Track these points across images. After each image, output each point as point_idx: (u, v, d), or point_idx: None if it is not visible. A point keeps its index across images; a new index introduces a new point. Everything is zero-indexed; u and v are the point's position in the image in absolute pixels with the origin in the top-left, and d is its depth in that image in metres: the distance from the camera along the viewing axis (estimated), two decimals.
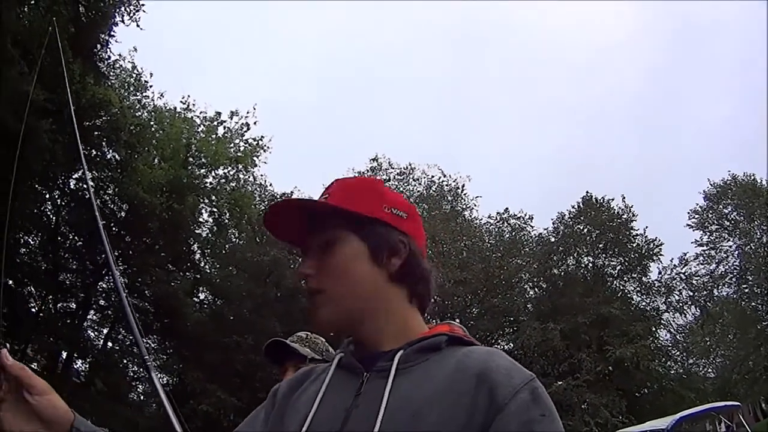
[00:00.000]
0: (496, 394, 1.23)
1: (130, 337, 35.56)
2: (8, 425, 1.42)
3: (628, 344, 31.42)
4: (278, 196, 39.58)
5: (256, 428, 1.55)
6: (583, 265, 38.60)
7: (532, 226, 41.28)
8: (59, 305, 32.49)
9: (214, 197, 36.95)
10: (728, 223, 37.60)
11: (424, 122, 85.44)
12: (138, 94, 34.35)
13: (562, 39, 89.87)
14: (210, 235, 38.48)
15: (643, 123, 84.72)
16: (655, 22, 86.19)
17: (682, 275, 37.72)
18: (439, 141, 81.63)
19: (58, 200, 31.53)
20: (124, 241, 32.93)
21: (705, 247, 37.82)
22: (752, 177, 36.79)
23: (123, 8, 24.74)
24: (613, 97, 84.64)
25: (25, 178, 23.04)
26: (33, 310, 30.12)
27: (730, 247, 37.53)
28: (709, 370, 36.75)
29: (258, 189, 40.50)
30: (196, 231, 36.87)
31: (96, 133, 28.35)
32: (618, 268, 38.01)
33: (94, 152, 29.06)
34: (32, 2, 20.92)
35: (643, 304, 38.03)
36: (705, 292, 37.39)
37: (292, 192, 39.76)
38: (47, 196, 30.43)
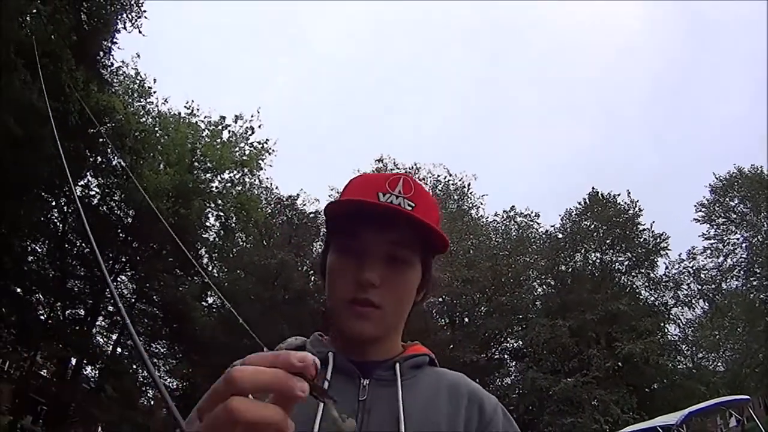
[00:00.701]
0: (484, 410, 1.51)
1: (140, 342, 35.85)
2: None
3: (637, 340, 31.30)
4: (284, 199, 39.65)
5: None
6: (590, 262, 38.48)
7: (539, 224, 41.30)
8: (68, 312, 32.55)
9: (220, 201, 36.95)
10: (735, 216, 37.49)
11: (429, 122, 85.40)
12: (142, 100, 34.40)
13: (567, 37, 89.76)
14: (217, 239, 38.51)
15: (649, 119, 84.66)
16: (665, 20, 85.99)
17: (689, 269, 37.63)
18: (444, 140, 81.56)
19: (65, 207, 31.61)
20: (132, 247, 33.03)
21: (712, 241, 37.74)
22: (759, 169, 36.72)
23: (125, 15, 24.76)
24: (619, 93, 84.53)
25: (32, 186, 23.12)
26: (42, 317, 30.21)
27: (738, 239, 37.43)
28: (719, 363, 36.59)
29: (264, 192, 40.58)
30: (203, 235, 36.88)
31: (101, 139, 28.43)
32: (626, 263, 37.89)
33: (99, 159, 29.13)
34: (34, 11, 20.95)
35: (652, 299, 37.93)
36: (713, 286, 37.27)
37: (298, 195, 39.86)
38: (54, 203, 30.50)
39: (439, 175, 42.85)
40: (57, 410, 30.47)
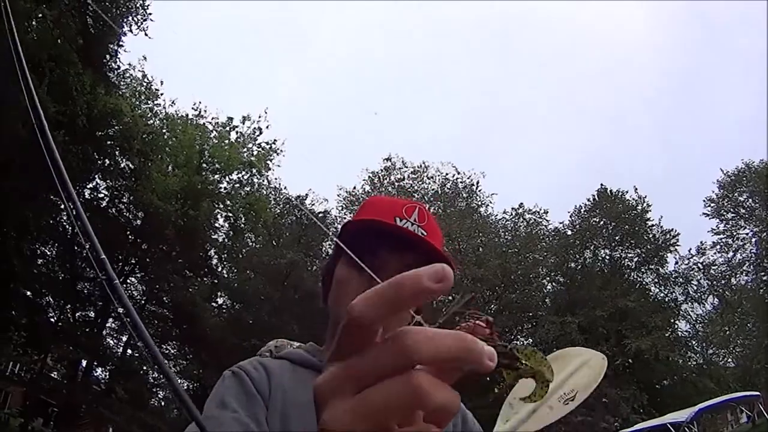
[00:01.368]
0: (467, 420, 1.67)
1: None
2: None
3: (647, 336, 31.20)
4: (293, 199, 39.66)
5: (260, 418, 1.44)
6: (600, 258, 38.39)
7: (548, 221, 41.13)
8: (78, 314, 32.73)
9: (228, 202, 37.09)
10: (744, 211, 37.32)
11: (437, 120, 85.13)
12: (149, 102, 34.64)
13: (575, 34, 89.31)
14: (226, 239, 38.61)
15: (657, 114, 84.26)
16: (673, 17, 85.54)
17: (699, 264, 37.47)
18: (452, 138, 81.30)
19: (73, 210, 31.69)
20: (141, 249, 33.15)
21: (722, 236, 37.58)
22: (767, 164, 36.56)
23: (131, 18, 24.87)
24: (627, 89, 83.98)
25: (39, 190, 23.19)
26: (52, 319, 30.34)
27: (747, 234, 37.27)
28: (729, 359, 36.45)
29: (273, 192, 40.63)
30: (213, 236, 36.99)
31: (108, 142, 28.52)
32: (635, 260, 37.74)
33: (107, 161, 29.23)
34: (40, 15, 21.04)
35: (661, 295, 37.78)
36: (723, 281, 37.10)
37: (306, 194, 39.90)
38: (62, 206, 30.59)
39: (447, 174, 42.82)
40: (68, 412, 30.60)
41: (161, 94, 35.19)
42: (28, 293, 28.59)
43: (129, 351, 33.56)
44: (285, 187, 41.33)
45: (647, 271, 37.64)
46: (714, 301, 37.26)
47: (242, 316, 35.54)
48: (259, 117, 37.31)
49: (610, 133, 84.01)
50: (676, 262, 37.44)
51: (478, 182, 42.56)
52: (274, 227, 39.51)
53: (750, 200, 36.97)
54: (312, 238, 38.04)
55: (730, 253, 37.02)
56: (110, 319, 33.23)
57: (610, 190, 38.00)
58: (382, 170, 42.64)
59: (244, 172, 37.36)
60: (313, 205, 40.70)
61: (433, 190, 42.69)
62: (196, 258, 35.36)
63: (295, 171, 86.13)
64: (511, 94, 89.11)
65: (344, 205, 41.97)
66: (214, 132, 36.82)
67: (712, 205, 37.84)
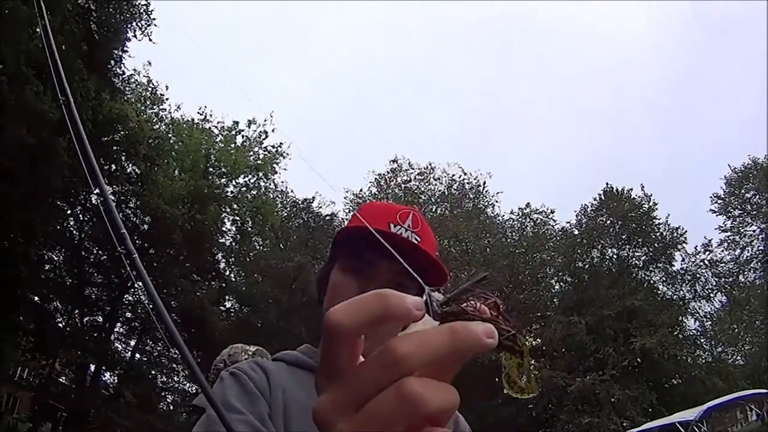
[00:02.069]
0: (458, 421, 1.66)
1: (158, 348, 36.22)
2: None
3: (654, 334, 31.05)
4: (300, 202, 39.74)
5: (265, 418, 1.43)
6: (607, 257, 38.22)
7: (555, 220, 41.04)
8: (86, 319, 32.82)
9: (235, 206, 37.17)
10: (751, 208, 37.16)
11: (443, 121, 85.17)
12: (155, 107, 34.69)
13: (579, 34, 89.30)
14: (234, 243, 38.69)
15: (661, 113, 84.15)
16: (676, 16, 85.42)
17: (706, 262, 37.24)
18: (458, 139, 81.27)
19: (81, 216, 31.79)
20: (148, 254, 33.19)
21: (729, 233, 37.41)
22: None
23: (134, 23, 24.91)
24: (630, 89, 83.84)
25: (46, 196, 23.26)
26: (60, 325, 30.41)
27: (755, 231, 37.11)
28: (738, 357, 36.28)
29: (279, 195, 40.71)
30: (220, 240, 37.08)
31: (114, 147, 28.59)
32: (643, 258, 37.52)
33: (113, 167, 29.30)
34: (43, 22, 21.05)
35: (669, 293, 37.58)
36: (731, 279, 36.92)
37: (313, 197, 39.93)
38: (69, 212, 30.69)
39: (453, 175, 42.78)
40: (76, 416, 30.68)
41: (166, 99, 35.32)
42: (36, 298, 28.68)
43: (137, 355, 33.69)
44: (292, 191, 41.37)
45: (655, 269, 37.47)
46: (722, 298, 37.14)
47: (250, 320, 35.62)
48: (265, 120, 37.39)
49: (616, 132, 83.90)
50: (683, 260, 37.33)
51: (484, 183, 42.59)
52: (282, 230, 39.60)
53: (757, 197, 36.84)
54: (319, 241, 38.04)
55: (738, 251, 36.91)
56: (118, 324, 33.35)
57: (617, 189, 37.81)
58: (388, 172, 42.70)
59: (250, 176, 37.41)
60: (320, 207, 40.79)
61: (439, 191, 42.69)
62: (204, 262, 35.45)
63: (301, 174, 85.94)
64: (515, 94, 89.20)
65: (351, 208, 41.94)
66: (220, 136, 36.90)
67: (719, 202, 37.70)
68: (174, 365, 34.30)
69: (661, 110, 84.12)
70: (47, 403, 34.46)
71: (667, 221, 36.89)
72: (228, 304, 39.12)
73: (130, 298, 34.17)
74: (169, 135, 34.74)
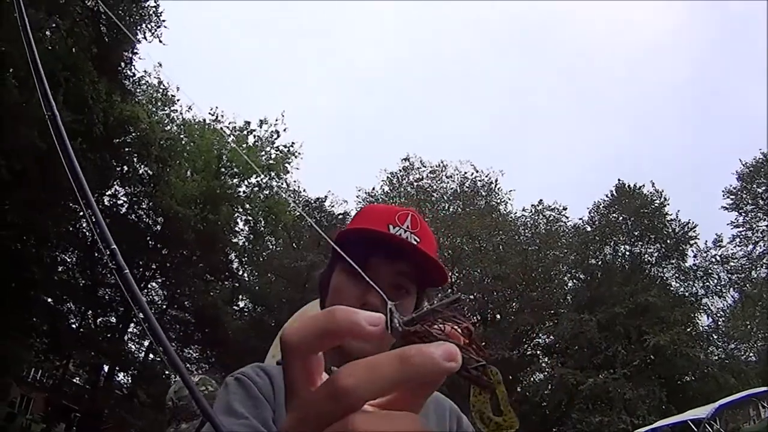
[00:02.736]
0: (461, 423, 1.70)
1: (172, 347, 36.33)
2: None
3: (667, 331, 30.87)
4: (312, 201, 39.81)
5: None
6: (620, 254, 38.02)
7: (567, 217, 40.79)
8: (99, 320, 33.04)
9: (248, 206, 37.31)
10: (762, 203, 36.82)
11: (454, 119, 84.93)
12: (166, 108, 34.90)
13: (591, 29, 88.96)
14: (246, 243, 38.82)
15: (675, 109, 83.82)
16: (691, 13, 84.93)
17: (718, 258, 36.93)
18: (470, 136, 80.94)
19: (93, 217, 31.97)
20: (162, 254, 33.40)
21: (741, 228, 37.09)
22: None
23: (144, 25, 25.04)
24: (640, 84, 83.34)
25: (58, 198, 23.42)
26: (73, 326, 30.63)
27: (767, 227, 36.79)
28: (751, 354, 35.97)
29: (292, 195, 40.76)
30: (233, 240, 37.20)
31: (126, 149, 28.77)
32: (655, 254, 37.27)
33: (125, 168, 29.48)
34: (53, 25, 21.24)
35: (682, 289, 37.32)
36: (743, 275, 36.62)
37: (326, 196, 40.02)
38: (81, 213, 30.84)
39: (466, 172, 42.58)
40: (90, 417, 30.90)
41: (178, 100, 35.47)
42: (49, 300, 28.90)
43: (151, 356, 33.86)
44: (304, 190, 41.47)
45: (667, 265, 37.25)
46: (734, 294, 36.84)
47: (264, 319, 35.69)
48: (276, 120, 37.53)
49: (628, 128, 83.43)
50: (695, 256, 37.06)
51: (496, 180, 42.45)
52: (294, 230, 39.64)
53: None
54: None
55: (750, 246, 36.58)
56: (131, 324, 33.54)
57: (628, 185, 37.52)
58: (400, 170, 42.59)
59: (262, 176, 37.51)
60: (332, 206, 40.85)
61: (451, 189, 42.52)
62: (217, 262, 35.61)
63: (313, 173, 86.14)
64: (526, 92, 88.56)
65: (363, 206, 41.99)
66: (232, 136, 37.03)
67: (731, 197, 37.33)
68: (188, 365, 34.47)
69: (673, 105, 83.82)
70: (61, 404, 34.78)
71: (677, 217, 36.68)
72: (241, 304, 39.29)
73: (143, 298, 34.45)
74: (181, 136, 34.93)
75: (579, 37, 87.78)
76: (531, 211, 41.41)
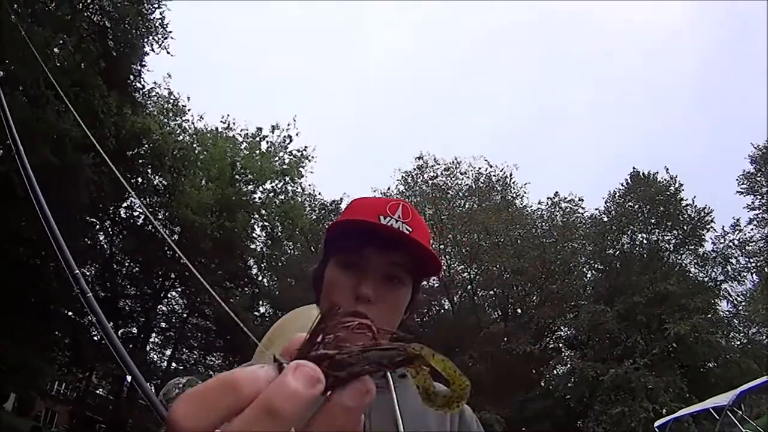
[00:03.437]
0: (464, 417, 1.67)
1: (194, 356, 36.76)
2: None
3: (687, 318, 30.61)
4: (328, 204, 39.94)
5: None
6: (637, 243, 37.74)
7: (584, 208, 40.66)
8: (121, 331, 33.27)
9: (264, 211, 37.48)
10: None
11: (466, 115, 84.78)
12: (177, 118, 35.14)
13: (607, 20, 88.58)
14: (264, 248, 38.99)
15: (688, 95, 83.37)
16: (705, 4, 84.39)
17: (735, 241, 36.56)
18: (482, 132, 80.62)
19: (110, 230, 32.29)
20: (180, 264, 33.56)
21: (758, 211, 36.68)
22: None
23: (151, 38, 25.20)
24: (654, 71, 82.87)
25: (74, 213, 23.62)
26: (95, 338, 30.85)
27: None
28: None
29: (307, 199, 40.94)
30: (250, 246, 37.36)
31: (140, 161, 28.99)
32: (673, 241, 36.97)
33: (140, 180, 29.69)
34: (60, 42, 21.44)
35: (701, 276, 37.07)
36: (762, 258, 36.25)
37: (341, 199, 40.08)
38: (98, 226, 31.15)
39: (480, 168, 42.54)
40: (114, 428, 31.16)
41: (188, 110, 35.77)
42: (70, 313, 29.07)
43: (173, 364, 34.12)
44: (319, 193, 41.63)
45: (685, 252, 36.99)
46: (754, 278, 36.47)
47: None
48: (288, 125, 37.69)
49: (638, 115, 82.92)
50: (713, 242, 36.77)
51: (511, 174, 42.42)
52: (311, 233, 39.76)
53: None
54: None
55: (767, 229, 36.20)
56: (153, 334, 33.81)
57: (643, 173, 37.25)
58: (414, 169, 42.59)
59: (277, 181, 37.70)
60: None
61: (466, 185, 42.47)
62: (236, 269, 35.81)
63: (328, 176, 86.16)
64: (534, 83, 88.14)
65: None
66: (245, 143, 37.25)
67: (746, 181, 36.96)
68: (211, 372, 34.67)
69: (684, 92, 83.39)
70: (85, 416, 35.05)
71: (693, 202, 36.36)
72: (262, 309, 39.46)
73: (163, 308, 34.75)
74: (194, 145, 35.15)
75: (592, 27, 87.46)
76: (547, 204, 41.42)
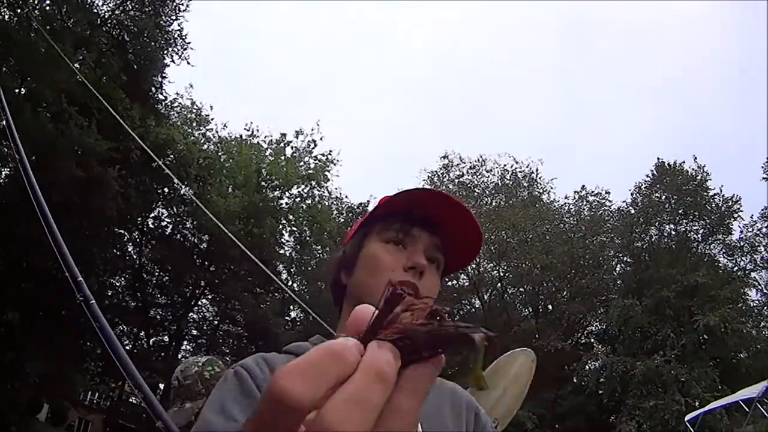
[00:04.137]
0: (479, 418, 1.63)
1: (227, 362, 36.87)
2: None
3: (717, 310, 30.31)
4: (355, 207, 40.10)
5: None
6: (665, 234, 37.42)
7: (611, 201, 40.37)
8: (152, 340, 33.64)
9: (291, 217, 37.67)
10: None
11: (490, 113, 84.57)
12: (201, 128, 35.49)
13: (627, 12, 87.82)
14: (293, 253, 39.17)
15: (711, 84, 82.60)
16: None
17: (764, 230, 35.99)
18: (507, 129, 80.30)
19: (138, 240, 32.66)
20: (210, 271, 33.89)
21: None
22: None
23: (171, 50, 25.46)
24: (678, 60, 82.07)
25: (101, 225, 23.95)
26: (127, 347, 31.21)
27: None
28: None
29: (335, 202, 41.14)
30: (279, 252, 37.53)
31: (165, 171, 29.27)
32: (701, 232, 36.60)
33: (166, 190, 29.98)
34: (80, 58, 21.76)
35: (730, 265, 36.70)
36: None
37: (368, 201, 40.20)
38: (127, 237, 31.50)
39: (505, 164, 42.52)
40: None
41: (212, 119, 36.13)
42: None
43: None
44: (346, 196, 41.83)
45: (714, 242, 36.62)
46: None
47: (316, 328, 35.98)
48: (312, 130, 37.88)
49: (664, 105, 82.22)
50: (741, 231, 36.31)
51: (537, 170, 42.33)
52: (340, 237, 39.84)
53: None
54: None
55: None
56: (184, 342, 34.11)
57: (668, 163, 36.97)
58: (440, 168, 42.65)
59: (303, 186, 37.87)
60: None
61: (492, 182, 42.45)
62: (265, 274, 35.94)
63: (354, 179, 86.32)
64: (560, 77, 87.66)
65: None
66: (269, 150, 37.51)
67: None
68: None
69: (710, 78, 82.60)
70: (118, 424, 35.39)
71: (721, 191, 35.95)
72: (293, 314, 39.59)
73: (194, 316, 35.06)
74: (219, 153, 35.47)
75: (616, 19, 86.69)
76: (574, 198, 41.23)
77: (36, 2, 21.78)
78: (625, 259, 39.13)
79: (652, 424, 28.51)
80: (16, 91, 21.36)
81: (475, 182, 42.38)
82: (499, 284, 40.34)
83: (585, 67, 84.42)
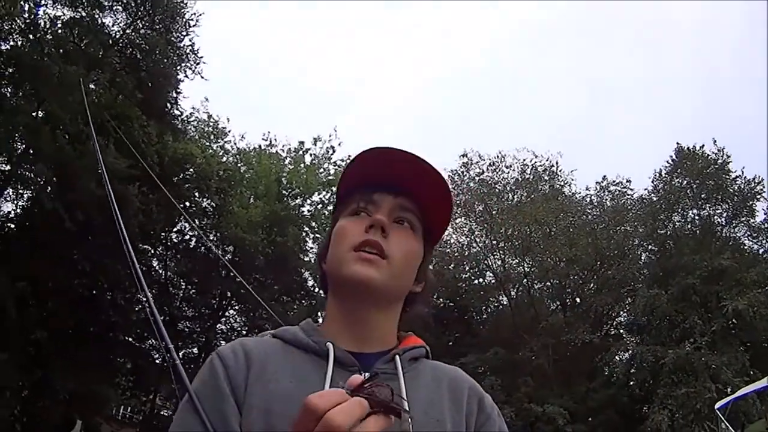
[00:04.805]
0: (483, 405, 1.55)
1: None
2: None
3: (744, 293, 29.99)
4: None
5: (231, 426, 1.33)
6: (689, 220, 37.08)
7: (632, 189, 40.06)
8: (182, 353, 33.84)
9: (314, 224, 37.75)
10: None
11: (508, 108, 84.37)
12: (219, 140, 35.79)
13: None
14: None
15: (729, 65, 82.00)
16: None
17: None
18: (525, 124, 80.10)
19: (163, 255, 32.97)
20: (235, 282, 34.10)
21: None
22: None
23: (183, 65, 25.74)
24: (697, 43, 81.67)
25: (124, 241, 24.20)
26: (157, 361, 31.47)
27: None
28: None
29: None
30: (305, 259, 37.65)
31: (186, 185, 29.58)
32: (724, 215, 36.18)
33: (188, 204, 30.25)
34: (95, 78, 22.06)
35: (756, 247, 36.29)
36: None
37: None
38: (152, 252, 31.82)
39: (525, 159, 42.30)
40: None
41: (229, 131, 36.43)
42: (129, 339, 29.76)
43: None
44: None
45: (738, 224, 36.22)
46: None
47: None
48: (330, 136, 38.07)
49: (683, 88, 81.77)
50: (765, 212, 35.82)
51: (557, 162, 42.09)
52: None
53: None
54: None
55: None
56: None
57: (688, 147, 36.57)
58: (460, 167, 42.48)
59: (324, 192, 38.01)
60: None
61: (513, 178, 42.21)
62: (291, 282, 36.14)
63: None
64: (578, 67, 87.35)
65: None
66: (288, 158, 37.70)
67: None
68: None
69: (728, 59, 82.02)
70: None
71: (743, 173, 35.52)
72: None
73: (222, 327, 35.28)
74: (238, 165, 35.71)
75: (634, 9, 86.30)
76: (595, 189, 40.93)
77: (48, 27, 22.14)
78: (649, 247, 38.84)
79: (685, 412, 28.29)
80: (33, 114, 21.72)
81: (496, 179, 42.17)
82: (525, 279, 40.17)
83: (600, 57, 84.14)
